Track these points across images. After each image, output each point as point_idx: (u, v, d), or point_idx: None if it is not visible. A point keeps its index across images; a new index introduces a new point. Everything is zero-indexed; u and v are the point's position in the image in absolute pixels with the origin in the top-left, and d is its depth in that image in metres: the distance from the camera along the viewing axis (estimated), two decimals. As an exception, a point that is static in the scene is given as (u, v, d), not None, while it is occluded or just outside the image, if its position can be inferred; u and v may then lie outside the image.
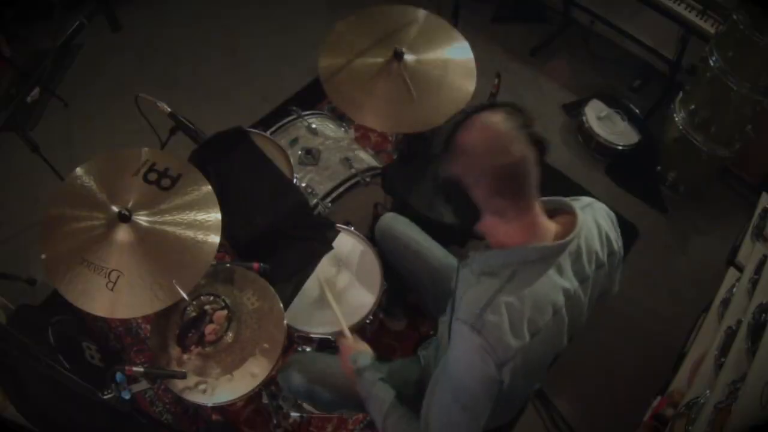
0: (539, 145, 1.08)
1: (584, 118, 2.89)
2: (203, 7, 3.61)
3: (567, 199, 1.24)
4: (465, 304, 1.12)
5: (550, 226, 1.16)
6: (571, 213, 1.19)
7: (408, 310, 2.30)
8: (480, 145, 1.06)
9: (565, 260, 1.15)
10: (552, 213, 1.20)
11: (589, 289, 1.23)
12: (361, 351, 1.50)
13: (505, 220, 1.12)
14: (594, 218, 1.25)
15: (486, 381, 1.09)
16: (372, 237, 1.88)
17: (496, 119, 1.07)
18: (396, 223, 1.82)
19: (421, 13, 2.03)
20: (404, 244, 1.77)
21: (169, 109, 1.78)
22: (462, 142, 1.08)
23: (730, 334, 1.76)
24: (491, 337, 1.06)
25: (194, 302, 1.55)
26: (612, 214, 1.32)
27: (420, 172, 2.05)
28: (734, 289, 1.97)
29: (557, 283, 1.13)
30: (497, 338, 1.06)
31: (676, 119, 2.54)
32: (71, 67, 3.30)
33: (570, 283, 1.16)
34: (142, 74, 3.25)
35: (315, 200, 2.00)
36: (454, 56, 1.97)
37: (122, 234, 1.45)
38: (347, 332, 1.62)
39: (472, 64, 1.96)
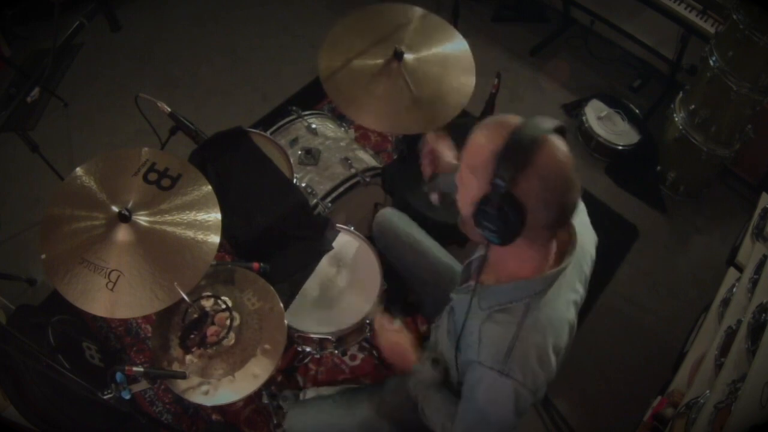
0: None
1: (584, 118, 2.89)
2: (203, 8, 3.61)
3: None
4: (486, 348, 1.10)
5: (553, 244, 1.14)
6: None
7: (408, 310, 2.30)
8: (559, 176, 0.98)
9: (571, 274, 1.15)
10: None
11: (587, 287, 1.24)
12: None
13: (528, 249, 1.07)
14: (581, 220, 1.25)
15: (520, 411, 1.10)
16: (372, 237, 1.88)
17: (566, 147, 1.00)
18: (396, 219, 1.81)
19: (418, 11, 2.03)
20: (404, 242, 1.76)
21: (169, 109, 1.78)
22: (542, 164, 0.96)
23: (730, 334, 1.76)
24: (521, 377, 1.06)
25: (195, 304, 1.55)
26: (582, 203, 1.30)
27: (420, 172, 2.04)
28: (734, 289, 1.97)
29: (569, 299, 1.14)
30: (525, 375, 1.06)
31: (676, 119, 2.54)
32: (71, 67, 3.30)
33: (577, 293, 1.17)
34: (142, 74, 3.26)
35: (315, 200, 2.00)
36: (452, 50, 1.96)
37: (122, 234, 1.45)
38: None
39: (470, 57, 1.94)
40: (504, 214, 0.98)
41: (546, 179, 0.97)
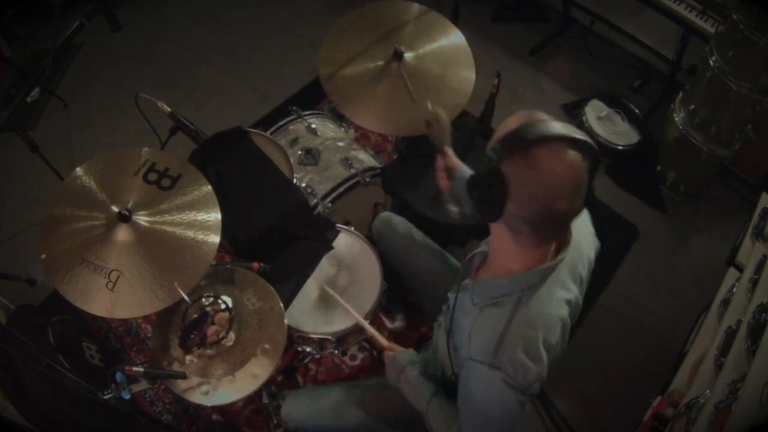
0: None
1: (584, 118, 2.88)
2: (203, 8, 3.61)
3: None
4: (476, 342, 1.11)
5: (548, 247, 1.15)
6: None
7: (408, 310, 2.30)
8: (553, 179, 0.98)
9: (564, 272, 1.15)
10: None
11: (583, 291, 1.24)
12: (400, 353, 1.50)
13: (517, 243, 1.08)
14: (581, 222, 1.25)
15: (517, 404, 1.10)
16: (372, 237, 1.88)
17: (579, 162, 0.99)
18: (394, 223, 1.82)
19: (416, 8, 2.03)
20: (403, 244, 1.77)
21: (169, 109, 1.78)
22: (540, 160, 0.97)
23: (730, 334, 1.76)
24: (511, 370, 1.06)
25: (195, 304, 1.55)
26: (586, 212, 1.31)
27: (420, 172, 2.04)
28: (734, 289, 1.97)
29: (561, 297, 1.14)
30: (516, 369, 1.06)
31: (676, 119, 2.54)
32: (71, 67, 3.30)
33: (571, 292, 1.17)
34: (142, 74, 3.26)
35: (315, 200, 2.00)
36: (449, 44, 1.96)
37: (122, 234, 1.45)
38: (383, 340, 1.59)
39: (467, 49, 1.95)
40: (488, 183, 1.01)
41: (539, 173, 0.98)
